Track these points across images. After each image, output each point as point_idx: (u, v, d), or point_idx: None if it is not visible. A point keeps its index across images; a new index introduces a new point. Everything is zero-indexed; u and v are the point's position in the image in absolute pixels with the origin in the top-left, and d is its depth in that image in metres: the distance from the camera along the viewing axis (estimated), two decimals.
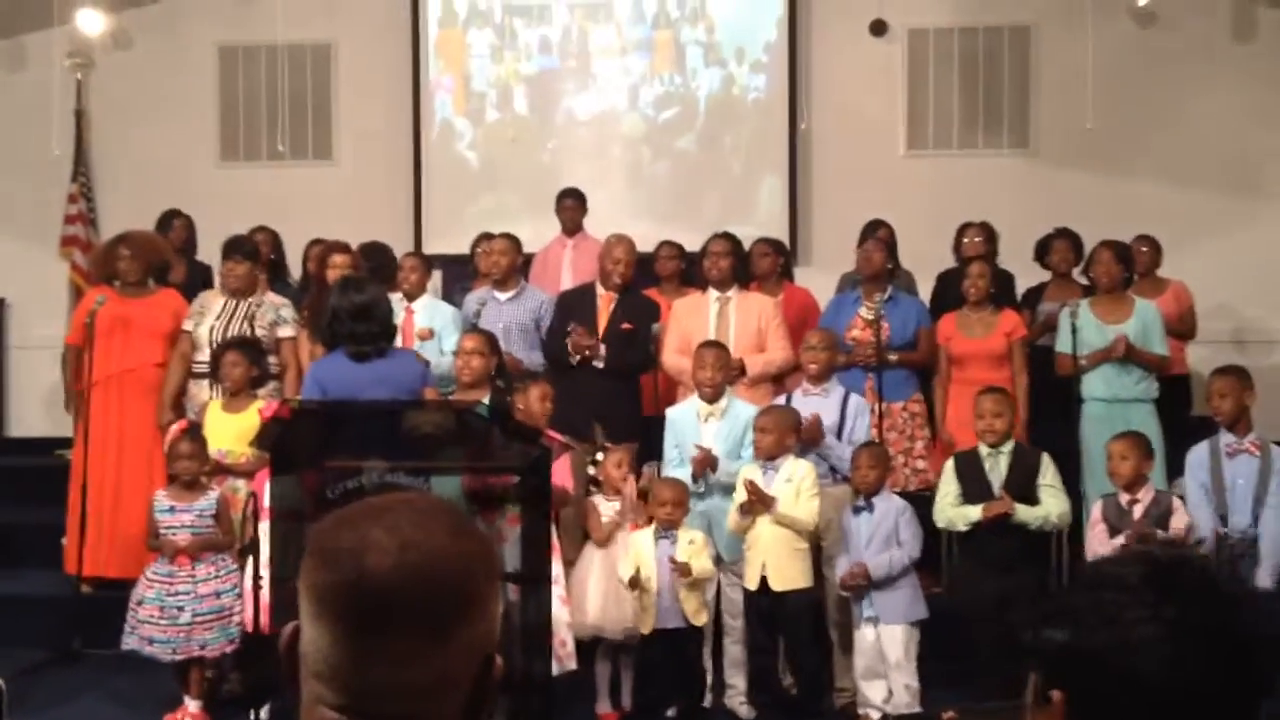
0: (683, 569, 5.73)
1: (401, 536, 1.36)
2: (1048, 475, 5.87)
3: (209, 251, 8.47)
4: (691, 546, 5.84)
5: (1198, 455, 6.04)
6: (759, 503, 5.80)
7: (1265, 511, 5.76)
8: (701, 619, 5.89)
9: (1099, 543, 5.72)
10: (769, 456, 5.94)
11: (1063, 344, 6.82)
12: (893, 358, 6.88)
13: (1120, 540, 5.61)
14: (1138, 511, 5.69)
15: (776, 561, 5.86)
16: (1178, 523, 5.67)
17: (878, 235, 7.89)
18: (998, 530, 5.77)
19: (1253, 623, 1.41)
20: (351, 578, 1.34)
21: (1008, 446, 5.93)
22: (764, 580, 5.87)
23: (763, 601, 5.91)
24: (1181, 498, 6.04)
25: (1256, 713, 1.41)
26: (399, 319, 7.30)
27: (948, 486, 5.98)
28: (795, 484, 5.88)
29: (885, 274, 7.23)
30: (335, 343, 5.72)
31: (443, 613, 1.35)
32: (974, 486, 5.90)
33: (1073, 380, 6.72)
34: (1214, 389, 5.98)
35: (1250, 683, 1.40)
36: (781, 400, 6.45)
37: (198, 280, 8.25)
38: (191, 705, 5.86)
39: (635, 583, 5.76)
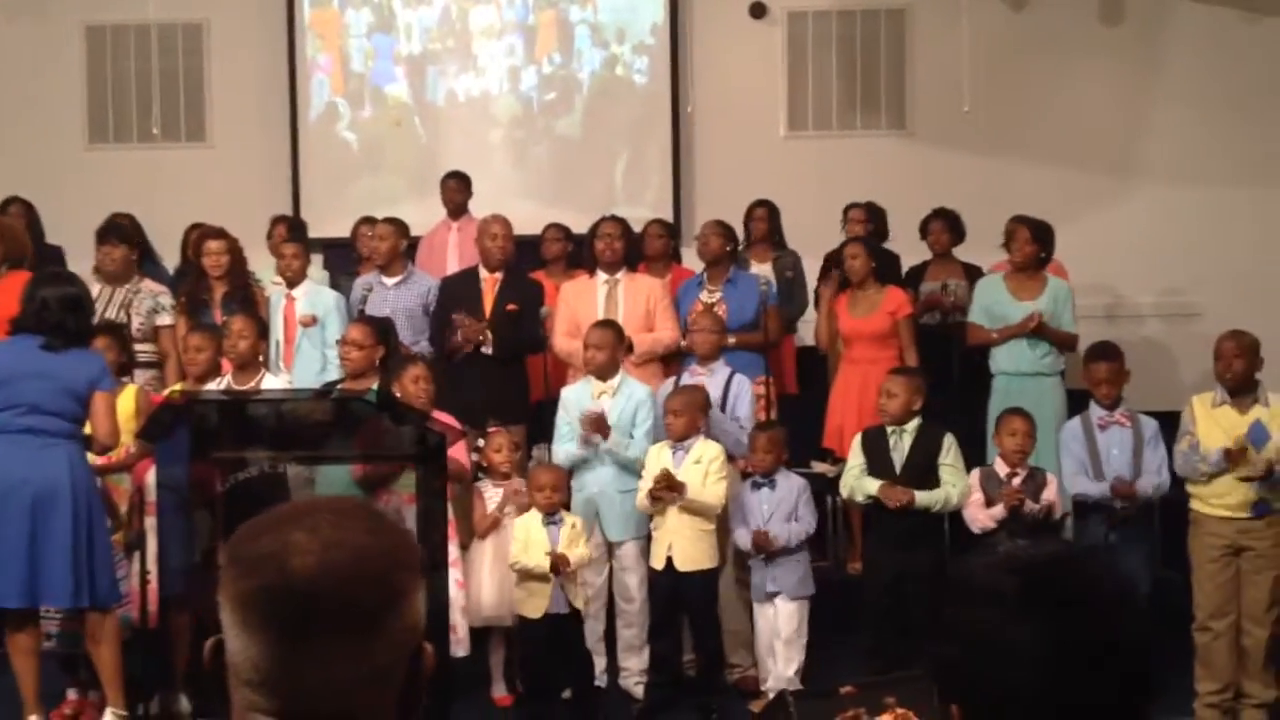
0: (560, 561, 5.73)
1: (323, 537, 1.36)
2: (949, 455, 5.96)
3: (79, 236, 8.23)
4: (573, 532, 5.85)
5: (1071, 429, 6.20)
6: (670, 490, 5.82)
7: (1143, 478, 5.95)
8: (579, 602, 5.90)
9: (977, 510, 5.86)
10: (680, 438, 5.97)
11: (973, 315, 7.04)
12: (731, 340, 6.88)
13: (998, 510, 5.76)
14: (1015, 483, 5.85)
15: (681, 542, 5.91)
16: (1049, 495, 5.84)
17: (753, 215, 7.99)
18: (899, 509, 5.86)
19: (1136, 627, 1.40)
20: (277, 581, 1.34)
21: (912, 425, 6.01)
22: (668, 560, 5.91)
23: (666, 580, 5.95)
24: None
25: (1139, 713, 1.41)
26: (280, 305, 7.24)
27: (854, 459, 6.08)
28: (704, 465, 5.92)
29: (725, 257, 7.29)
30: (41, 329, 5.34)
31: (371, 608, 1.36)
32: (878, 462, 5.99)
33: (972, 356, 6.91)
34: (1101, 375, 6.09)
35: (1135, 689, 1.39)
36: (671, 381, 6.50)
37: (47, 264, 7.98)
38: (85, 695, 5.82)
39: (557, 569, 5.73)
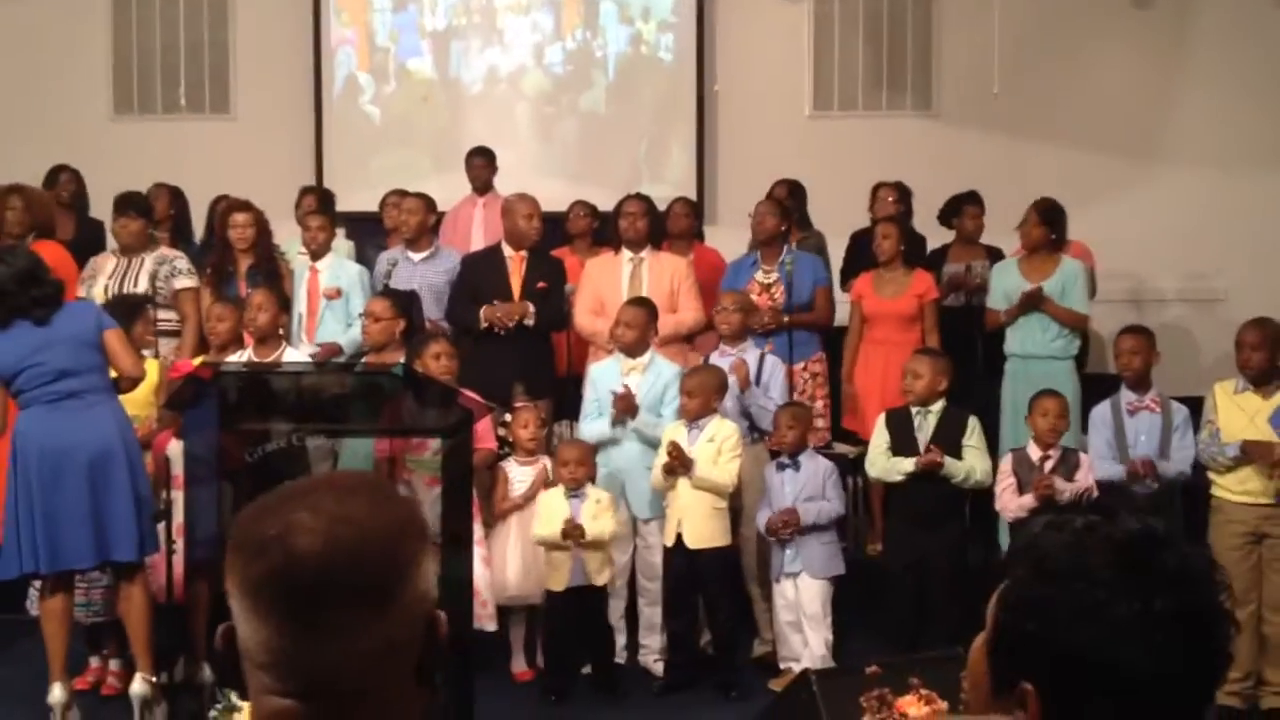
0: (575, 532, 5.75)
1: (327, 514, 1.35)
2: (973, 436, 5.97)
3: (101, 207, 8.25)
4: (598, 506, 5.87)
5: (1100, 413, 6.19)
6: (680, 464, 5.84)
7: (1170, 464, 5.94)
8: (603, 578, 5.92)
9: (1010, 497, 5.85)
10: (694, 418, 5.97)
11: (991, 300, 7.07)
12: (787, 319, 6.92)
13: (1029, 500, 5.75)
14: (1048, 467, 5.83)
15: (693, 520, 5.92)
16: (1082, 477, 5.81)
17: (771, 196, 7.91)
18: (922, 486, 5.87)
19: (1219, 597, 1.41)
20: (282, 563, 1.33)
21: (937, 406, 6.01)
22: (680, 537, 5.93)
23: (680, 559, 5.97)
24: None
25: (1215, 687, 1.43)
26: (304, 277, 7.24)
27: (879, 439, 6.09)
28: (717, 444, 5.93)
29: (780, 236, 7.26)
30: (14, 315, 5.30)
31: (379, 582, 1.35)
32: (902, 442, 6.00)
33: (996, 338, 6.93)
34: (1125, 347, 6.11)
35: (1217, 659, 1.41)
36: (699, 361, 6.49)
37: (89, 237, 8.02)
38: (113, 664, 5.86)
39: (569, 534, 5.77)
